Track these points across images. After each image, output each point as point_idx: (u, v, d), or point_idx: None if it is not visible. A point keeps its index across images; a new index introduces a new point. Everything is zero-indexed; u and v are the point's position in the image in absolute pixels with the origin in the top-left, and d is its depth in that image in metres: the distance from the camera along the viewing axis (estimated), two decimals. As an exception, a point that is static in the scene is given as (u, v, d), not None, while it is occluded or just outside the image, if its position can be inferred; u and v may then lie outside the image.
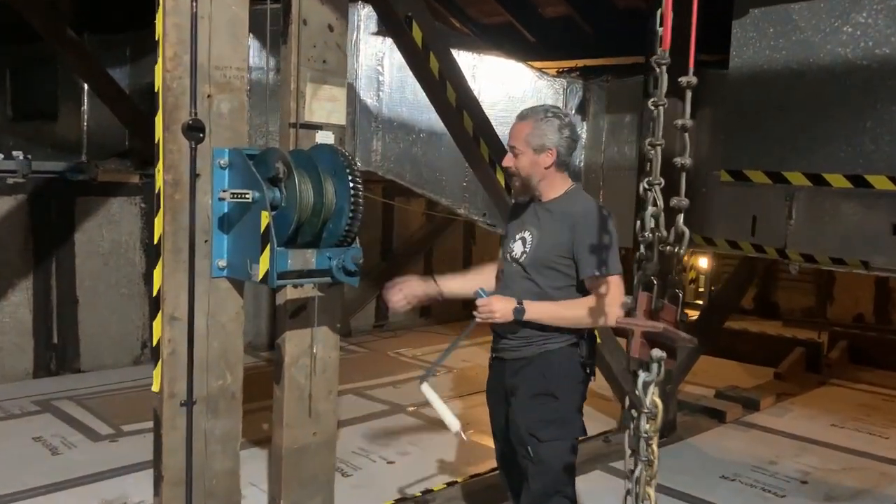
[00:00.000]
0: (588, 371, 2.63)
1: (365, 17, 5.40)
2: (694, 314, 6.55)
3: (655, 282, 1.62)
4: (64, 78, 7.13)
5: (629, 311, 1.64)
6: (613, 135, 5.57)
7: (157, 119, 2.59)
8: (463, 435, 2.73)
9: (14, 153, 5.58)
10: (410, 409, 5.44)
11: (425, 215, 8.25)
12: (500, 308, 2.50)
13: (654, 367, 1.60)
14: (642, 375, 1.61)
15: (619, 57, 6.56)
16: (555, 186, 2.61)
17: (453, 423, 2.72)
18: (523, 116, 2.59)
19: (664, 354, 1.60)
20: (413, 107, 5.35)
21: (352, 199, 2.59)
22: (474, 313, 2.52)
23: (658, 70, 1.69)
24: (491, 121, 4.03)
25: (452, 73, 3.60)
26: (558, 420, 2.58)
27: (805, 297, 9.59)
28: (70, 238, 5.91)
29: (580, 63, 6.86)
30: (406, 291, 2.78)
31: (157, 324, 2.64)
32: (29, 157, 5.62)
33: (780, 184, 3.53)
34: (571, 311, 2.52)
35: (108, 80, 5.99)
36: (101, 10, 6.88)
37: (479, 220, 5.61)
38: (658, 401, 1.64)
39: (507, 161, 2.63)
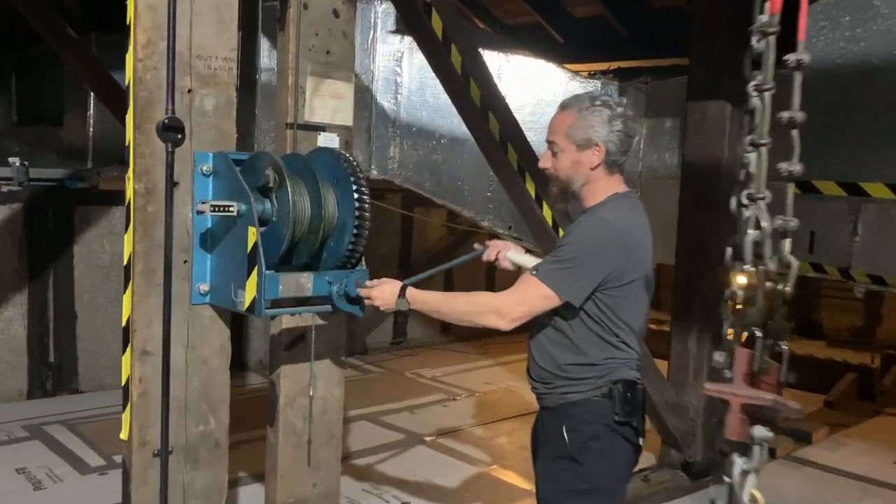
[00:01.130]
0: (626, 428, 2.07)
1: (382, 14, 5.02)
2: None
3: (759, 334, 1.17)
4: (70, 81, 6.83)
5: (721, 374, 1.19)
6: (653, 141, 5.11)
7: (127, 117, 2.19)
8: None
9: (10, 160, 5.25)
10: (429, 438, 5.00)
11: (446, 226, 7.83)
12: (381, 296, 2.10)
13: (757, 450, 1.15)
14: (740, 462, 1.17)
15: (655, 59, 6.14)
16: (596, 193, 2.10)
17: (532, 262, 2.26)
18: (565, 105, 2.10)
19: (770, 434, 1.15)
20: (434, 110, 4.97)
21: (356, 213, 2.17)
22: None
23: (762, 42, 1.24)
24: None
25: (477, 69, 3.18)
26: (587, 491, 2.07)
27: (851, 317, 9.01)
28: (69, 249, 5.57)
29: (613, 65, 6.44)
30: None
31: (125, 359, 2.23)
32: (26, 164, 5.29)
33: (852, 196, 3.07)
34: (456, 302, 2.09)
35: (111, 82, 5.64)
36: (109, 8, 6.57)
37: (504, 234, 5.18)
38: (759, 494, 1.19)
39: (545, 161, 2.14)
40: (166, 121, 2.16)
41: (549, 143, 2.12)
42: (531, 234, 3.85)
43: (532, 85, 5.10)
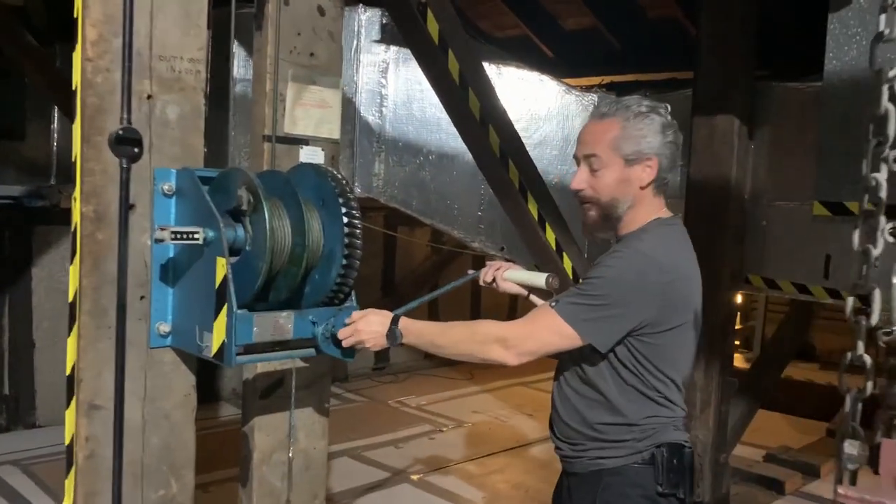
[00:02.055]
0: (671, 500, 1.74)
1: (366, 22, 4.73)
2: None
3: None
4: (32, 94, 6.45)
5: (851, 471, 0.88)
6: (654, 158, 4.83)
7: (74, 128, 1.85)
8: (553, 281, 1.93)
9: (-37, 176, 4.86)
10: (415, 476, 4.64)
11: (431, 247, 7.52)
12: (367, 331, 1.77)
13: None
14: None
15: (650, 72, 5.89)
16: (637, 218, 1.78)
17: (540, 281, 1.96)
18: (605, 114, 1.75)
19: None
20: (421, 125, 4.67)
21: (346, 241, 1.84)
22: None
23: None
24: (516, 140, 3.31)
25: (476, 78, 2.87)
26: None
27: (843, 339, 8.79)
28: (26, 272, 5.17)
29: (605, 79, 6.18)
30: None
31: (69, 415, 1.87)
32: (-23, 181, 4.91)
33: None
34: (455, 333, 1.77)
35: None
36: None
37: (496, 255, 4.86)
38: None
39: (580, 181, 1.78)
40: (120, 132, 1.82)
41: (588, 157, 1.77)
42: (531, 259, 3.55)
43: (525, 98, 4.82)
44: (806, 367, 7.95)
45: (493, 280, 2.06)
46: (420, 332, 1.78)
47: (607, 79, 6.08)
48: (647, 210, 1.79)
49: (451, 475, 4.69)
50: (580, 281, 1.78)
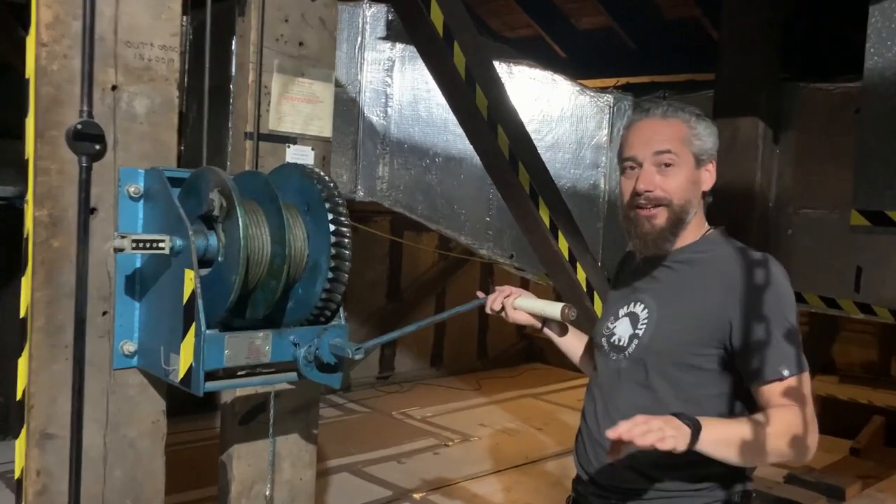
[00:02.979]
0: None
1: (371, 18, 4.52)
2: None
3: None
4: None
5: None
6: (673, 163, 4.60)
7: (27, 121, 1.65)
8: (570, 312, 1.68)
9: (-48, 175, 4.68)
10: (418, 495, 4.41)
11: (438, 253, 7.31)
12: (671, 432, 1.30)
13: None
14: None
15: (668, 74, 5.67)
16: (696, 228, 1.60)
17: (555, 311, 1.72)
18: (665, 113, 1.58)
19: None
20: (428, 126, 4.45)
21: (333, 251, 1.63)
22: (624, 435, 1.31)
23: None
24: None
25: (484, 74, 2.66)
26: None
27: (864, 351, 8.50)
28: (16, 277, 4.97)
29: (620, 81, 5.96)
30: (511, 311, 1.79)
31: (18, 446, 1.67)
32: (-29, 180, 4.72)
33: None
34: (772, 440, 1.40)
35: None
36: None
37: (504, 263, 4.65)
38: None
39: (648, 182, 1.54)
40: (79, 126, 1.62)
41: (660, 154, 1.54)
42: (541, 268, 3.32)
43: (537, 99, 4.60)
44: (824, 379, 7.67)
45: (503, 308, 1.82)
46: (720, 433, 1.41)
47: (622, 80, 5.87)
48: (702, 219, 1.61)
49: (455, 494, 4.46)
50: (759, 318, 1.49)
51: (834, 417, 6.00)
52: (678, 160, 1.54)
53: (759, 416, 1.43)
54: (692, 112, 1.60)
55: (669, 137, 1.55)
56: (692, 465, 1.46)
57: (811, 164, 3.76)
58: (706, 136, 1.58)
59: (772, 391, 1.44)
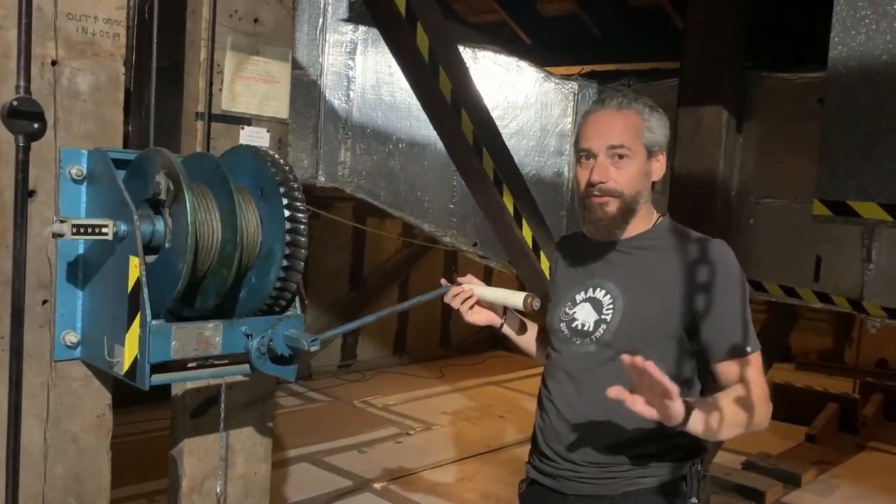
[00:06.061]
0: None
1: (333, -1, 4.41)
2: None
3: None
4: None
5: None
6: (636, 151, 4.58)
7: (-42, 96, 1.54)
8: (533, 302, 1.70)
9: None
10: (378, 484, 4.37)
11: (402, 239, 7.24)
12: (676, 410, 1.39)
13: None
14: None
15: (633, 62, 5.65)
16: (646, 216, 1.70)
17: (517, 301, 1.71)
18: (621, 105, 1.64)
19: None
20: (391, 110, 4.37)
21: (287, 238, 1.56)
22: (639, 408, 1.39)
23: None
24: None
25: (448, 56, 2.59)
26: None
27: (820, 339, 8.69)
28: None
29: (585, 68, 5.93)
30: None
31: (-50, 442, 1.57)
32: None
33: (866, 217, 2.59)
34: (743, 410, 1.53)
35: None
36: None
37: (468, 251, 4.60)
38: None
39: (603, 173, 1.61)
40: (16, 103, 1.52)
41: (615, 147, 1.61)
42: (505, 256, 3.28)
43: (501, 85, 4.54)
44: (781, 367, 7.81)
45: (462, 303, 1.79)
46: (706, 411, 1.50)
47: (588, 67, 5.84)
48: (650, 207, 1.70)
49: (416, 484, 4.43)
50: (722, 300, 1.58)
51: (790, 404, 6.10)
52: (631, 153, 1.62)
53: (734, 392, 1.53)
54: (646, 104, 1.66)
55: (624, 130, 1.63)
56: (665, 438, 1.56)
57: (774, 154, 3.77)
58: (658, 128, 1.65)
59: (739, 366, 1.57)
